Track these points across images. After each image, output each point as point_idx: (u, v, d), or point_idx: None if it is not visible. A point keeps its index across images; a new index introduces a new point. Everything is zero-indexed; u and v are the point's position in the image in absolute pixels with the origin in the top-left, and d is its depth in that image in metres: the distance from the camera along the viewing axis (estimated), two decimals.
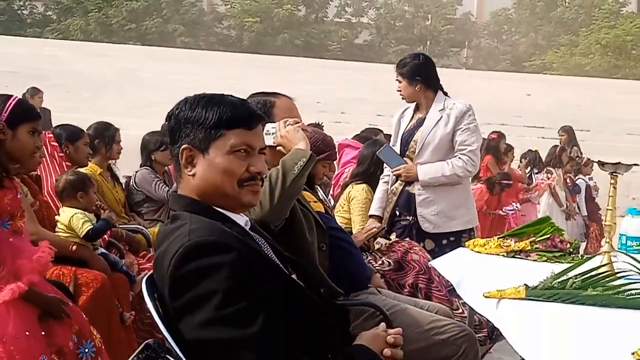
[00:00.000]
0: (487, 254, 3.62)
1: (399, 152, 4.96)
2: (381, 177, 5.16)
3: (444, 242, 4.80)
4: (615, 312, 2.48)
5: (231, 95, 2.31)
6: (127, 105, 21.53)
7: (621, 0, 47.74)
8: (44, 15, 46.83)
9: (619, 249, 3.14)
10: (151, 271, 2.28)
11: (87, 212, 4.40)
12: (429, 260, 4.41)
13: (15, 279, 3.25)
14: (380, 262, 4.49)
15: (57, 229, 4.27)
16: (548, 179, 10.61)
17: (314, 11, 48.93)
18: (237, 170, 2.19)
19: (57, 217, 4.30)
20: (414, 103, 5.03)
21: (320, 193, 4.58)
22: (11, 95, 3.72)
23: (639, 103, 27.26)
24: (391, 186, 5.03)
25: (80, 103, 21.01)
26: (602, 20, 45.61)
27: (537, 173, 10.73)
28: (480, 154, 5.22)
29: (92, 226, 4.26)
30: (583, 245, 10.46)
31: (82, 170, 4.97)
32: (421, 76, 4.89)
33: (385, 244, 4.70)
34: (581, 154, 11.01)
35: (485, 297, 2.75)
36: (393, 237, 4.85)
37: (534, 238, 3.60)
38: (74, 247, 4.19)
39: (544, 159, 10.97)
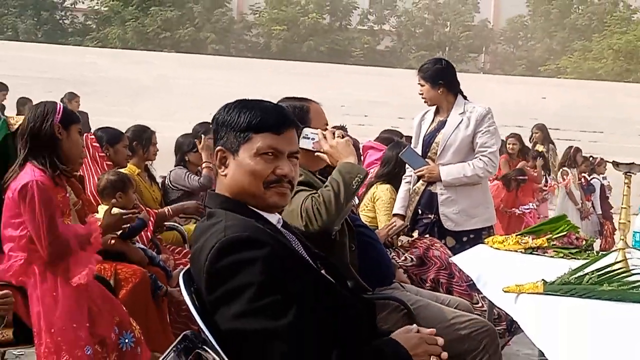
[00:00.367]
0: (506, 250, 3.60)
1: (420, 154, 4.95)
2: (403, 177, 5.15)
3: (464, 239, 4.78)
4: (630, 307, 2.46)
5: (267, 101, 2.32)
6: (162, 110, 21.65)
7: (632, 7, 47.25)
8: (84, 25, 47.15)
9: (633, 246, 3.11)
10: (188, 266, 2.28)
11: (126, 207, 4.44)
12: (450, 257, 4.39)
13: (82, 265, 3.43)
14: (403, 258, 4.49)
15: None
16: (564, 179, 10.54)
17: (338, 19, 48.86)
18: (263, 172, 2.19)
19: (96, 215, 4.34)
20: (435, 106, 5.01)
21: None
22: (54, 102, 3.79)
23: None
24: (413, 186, 5.02)
25: (118, 107, 21.18)
26: (614, 27, 45.13)
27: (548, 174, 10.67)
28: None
29: (128, 225, 4.29)
30: (598, 242, 10.38)
31: (122, 170, 5.01)
32: (444, 80, 4.88)
33: (408, 241, 4.70)
34: (555, 149, 10.88)
35: (505, 291, 2.74)
36: (415, 234, 4.84)
37: (550, 235, 3.57)
38: (113, 242, 4.23)
39: (559, 160, 10.93)
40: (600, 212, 11.08)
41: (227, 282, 2.01)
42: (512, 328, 4.37)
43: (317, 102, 3.32)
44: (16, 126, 3.79)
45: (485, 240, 3.92)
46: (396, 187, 5.19)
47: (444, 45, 48.33)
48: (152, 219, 4.84)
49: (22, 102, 12.41)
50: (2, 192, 3.55)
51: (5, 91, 13.32)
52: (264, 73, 30.36)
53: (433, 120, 5.00)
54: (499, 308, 3.53)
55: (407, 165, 5.08)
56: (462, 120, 4.83)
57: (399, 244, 4.69)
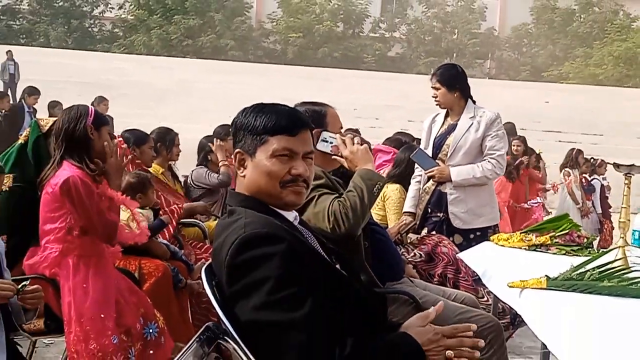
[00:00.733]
0: (510, 247, 3.59)
1: (431, 155, 4.94)
2: (412, 177, 5.15)
3: (471, 236, 4.77)
4: (629, 302, 2.45)
5: (283, 105, 2.32)
6: (185, 112, 21.69)
7: (632, 16, 46.92)
8: (111, 32, 47.30)
9: (632, 243, 3.10)
10: (210, 260, 2.29)
11: (146, 207, 4.45)
12: (457, 253, 4.39)
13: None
14: (412, 254, 4.49)
15: None
16: (566, 179, 10.55)
17: (351, 27, 48.73)
18: (279, 173, 2.19)
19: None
20: (445, 110, 5.00)
21: None
22: (86, 105, 3.83)
23: None
24: (423, 186, 5.01)
25: (143, 110, 21.23)
26: (614, 34, 44.81)
27: None
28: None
29: (148, 224, 4.29)
30: (597, 240, 10.36)
31: (145, 171, 5.03)
32: (459, 85, 4.88)
33: (417, 238, 4.70)
34: (539, 155, 10.89)
35: (509, 286, 2.73)
36: (424, 232, 4.84)
37: (553, 233, 3.56)
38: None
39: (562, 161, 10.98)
40: (600, 211, 11.06)
41: (247, 275, 2.01)
42: (516, 321, 4.35)
43: (332, 106, 3.33)
44: (47, 127, 3.83)
45: (491, 237, 3.91)
46: (405, 187, 5.19)
47: (452, 51, 48.15)
48: (173, 219, 4.86)
49: (53, 105, 12.51)
50: (39, 190, 3.59)
51: (37, 95, 13.46)
52: (280, 78, 30.36)
53: (443, 123, 4.99)
54: (503, 302, 3.51)
55: (416, 166, 5.08)
56: (472, 124, 4.83)
57: (409, 241, 4.69)
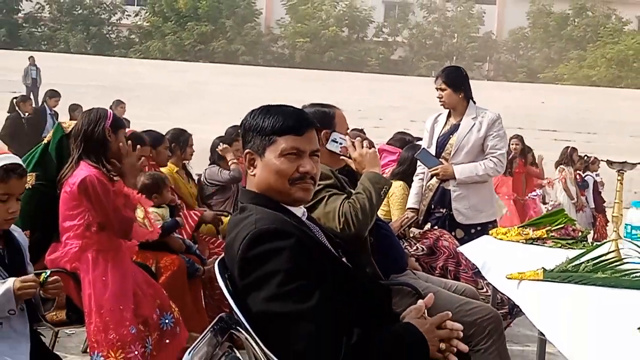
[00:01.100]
0: (508, 241, 3.59)
1: (434, 154, 4.93)
2: (415, 175, 5.14)
3: (473, 231, 4.76)
4: (622, 293, 2.45)
5: (288, 106, 2.32)
6: (197, 114, 21.70)
7: (624, 20, 46.73)
8: (128, 39, 47.34)
9: (625, 237, 3.08)
10: (222, 255, 2.29)
11: (162, 205, 4.45)
12: (457, 247, 4.38)
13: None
14: (415, 248, 4.48)
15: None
16: (560, 175, 10.62)
17: (355, 32, 48.63)
18: (287, 171, 2.19)
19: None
20: (447, 110, 4.99)
21: None
22: (105, 108, 3.83)
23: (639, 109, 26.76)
24: (427, 183, 5.01)
25: (158, 112, 21.25)
26: (607, 37, 44.62)
27: None
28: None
29: (162, 224, 4.29)
30: (590, 233, 10.37)
31: (162, 169, 5.04)
32: (464, 86, 4.87)
33: (419, 232, 4.69)
34: (533, 155, 10.91)
35: (508, 278, 2.73)
36: (428, 226, 4.83)
37: (549, 227, 3.56)
38: None
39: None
40: (593, 206, 11.07)
41: (258, 269, 2.01)
42: (514, 311, 4.34)
43: (340, 108, 3.33)
44: (69, 129, 3.83)
45: (490, 231, 3.90)
46: (409, 184, 5.18)
47: (452, 55, 48.02)
48: (193, 220, 4.87)
49: (73, 108, 12.53)
50: (58, 188, 3.59)
51: (57, 97, 13.50)
52: (288, 81, 30.35)
53: (446, 123, 4.98)
54: (502, 293, 3.51)
55: (418, 164, 5.07)
56: (474, 124, 4.83)
57: (411, 235, 4.69)
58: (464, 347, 2.08)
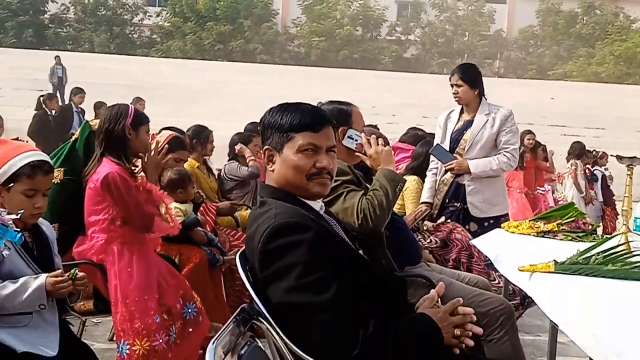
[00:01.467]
0: (520, 234, 3.56)
1: (448, 149, 4.92)
2: (428, 170, 5.13)
3: (486, 224, 4.76)
4: (632, 284, 2.42)
5: (305, 103, 2.32)
6: (217, 111, 21.75)
7: (631, 18, 46.19)
8: (149, 39, 47.43)
9: (634, 230, 3.05)
10: (244, 247, 2.30)
11: (186, 201, 4.46)
12: (470, 239, 4.37)
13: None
14: (428, 240, 4.47)
15: None
16: (570, 170, 10.58)
17: (369, 31, 48.40)
18: (305, 166, 2.20)
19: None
20: (459, 107, 4.97)
21: None
22: (127, 105, 3.82)
23: None
24: (441, 178, 5.00)
25: (179, 110, 21.32)
26: (615, 35, 44.10)
27: None
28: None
29: (183, 220, 4.30)
30: (600, 226, 10.34)
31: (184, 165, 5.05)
32: (479, 83, 4.85)
33: (433, 225, 4.69)
34: (544, 149, 10.81)
35: (520, 270, 2.71)
36: (441, 220, 4.82)
37: (560, 221, 3.53)
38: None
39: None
40: (602, 199, 11.02)
41: (277, 261, 2.02)
42: (525, 302, 4.32)
43: (356, 106, 3.32)
44: (96, 126, 3.84)
45: (502, 225, 3.88)
46: (423, 178, 5.17)
47: (463, 52, 47.69)
48: (212, 214, 4.88)
49: (98, 106, 12.61)
50: (84, 184, 3.61)
51: (82, 94, 13.59)
52: (304, 79, 30.33)
53: (459, 120, 4.97)
54: (514, 284, 3.49)
55: (431, 159, 5.06)
56: (487, 120, 4.83)
57: (425, 228, 4.68)
58: (478, 330, 2.07)
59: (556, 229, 3.46)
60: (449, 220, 4.79)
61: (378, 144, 3.10)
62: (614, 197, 11.06)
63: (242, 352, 1.87)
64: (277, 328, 2.01)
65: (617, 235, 2.90)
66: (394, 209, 4.37)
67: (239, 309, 2.01)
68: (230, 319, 1.92)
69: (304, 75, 32.42)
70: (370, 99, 23.80)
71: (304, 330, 1.98)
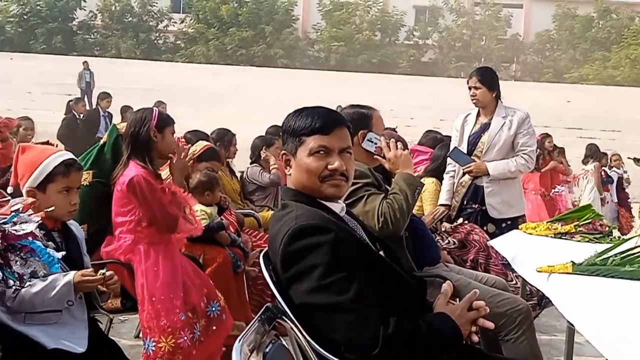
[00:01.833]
0: (538, 235, 3.54)
1: (465, 152, 4.90)
2: (445, 172, 5.10)
3: (503, 225, 4.73)
4: None
5: (320, 107, 2.31)
6: (239, 115, 21.80)
7: None
8: (174, 44, 47.76)
9: None
10: (264, 248, 2.30)
11: (212, 204, 4.48)
12: (488, 240, 4.35)
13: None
14: (446, 241, 4.45)
15: None
16: (587, 172, 10.50)
17: (387, 36, 48.30)
18: (317, 169, 2.19)
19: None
20: (475, 110, 4.95)
21: None
22: (151, 108, 3.85)
23: None
24: (459, 180, 4.97)
25: (202, 113, 21.40)
26: (631, 39, 43.64)
27: None
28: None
29: (208, 223, 4.31)
30: (616, 228, 10.26)
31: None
32: (497, 86, 4.83)
33: (451, 226, 4.66)
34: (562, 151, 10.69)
35: (538, 271, 2.70)
36: (459, 221, 4.80)
37: (577, 222, 3.50)
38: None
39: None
40: (617, 201, 10.93)
41: (299, 262, 2.02)
42: (542, 302, 4.29)
43: (377, 109, 3.31)
44: (123, 130, 3.87)
45: (520, 226, 3.86)
46: (441, 180, 5.15)
47: (480, 56, 47.40)
48: (234, 221, 4.90)
49: (125, 110, 12.71)
50: (112, 186, 3.64)
51: (109, 98, 13.69)
52: (324, 83, 30.34)
53: (476, 122, 4.94)
54: (531, 285, 3.46)
55: (449, 161, 5.04)
56: (504, 122, 4.80)
57: (443, 229, 4.66)
58: (490, 325, 2.07)
59: (573, 230, 3.44)
60: (466, 222, 4.76)
61: (397, 148, 3.09)
62: (629, 200, 10.98)
63: (267, 350, 1.87)
64: (300, 327, 2.01)
65: (634, 237, 2.87)
66: (413, 210, 4.39)
67: (263, 308, 2.02)
68: (255, 317, 1.93)
69: (323, 79, 32.45)
70: (388, 102, 23.70)
71: (325, 330, 1.98)
